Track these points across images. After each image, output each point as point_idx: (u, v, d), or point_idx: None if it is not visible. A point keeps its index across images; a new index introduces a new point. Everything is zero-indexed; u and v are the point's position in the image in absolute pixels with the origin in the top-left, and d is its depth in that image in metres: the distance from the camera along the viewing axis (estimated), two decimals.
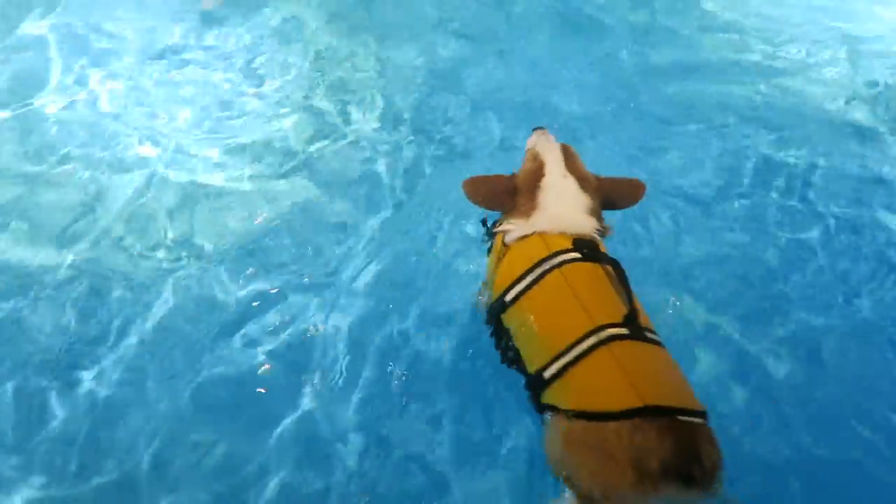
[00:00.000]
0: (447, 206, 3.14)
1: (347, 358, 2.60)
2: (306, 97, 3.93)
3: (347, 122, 3.80)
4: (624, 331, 1.61)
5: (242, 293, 2.89)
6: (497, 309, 1.84)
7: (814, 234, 3.19)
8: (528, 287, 1.75)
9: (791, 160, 3.58)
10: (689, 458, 1.49)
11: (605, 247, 1.88)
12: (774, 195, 3.41)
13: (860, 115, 3.87)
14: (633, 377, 1.53)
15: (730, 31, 4.53)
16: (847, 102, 3.97)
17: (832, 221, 3.28)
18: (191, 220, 3.23)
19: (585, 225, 1.82)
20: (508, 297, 1.78)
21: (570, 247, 1.76)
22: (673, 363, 1.69)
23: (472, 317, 2.38)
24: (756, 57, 4.29)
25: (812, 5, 4.74)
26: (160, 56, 4.24)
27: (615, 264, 1.75)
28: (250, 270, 2.99)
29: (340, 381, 2.53)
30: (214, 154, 3.60)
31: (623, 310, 1.65)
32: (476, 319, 2.27)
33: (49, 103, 3.89)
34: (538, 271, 1.74)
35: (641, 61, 4.23)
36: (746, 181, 3.47)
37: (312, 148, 3.63)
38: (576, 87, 3.98)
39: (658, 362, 1.65)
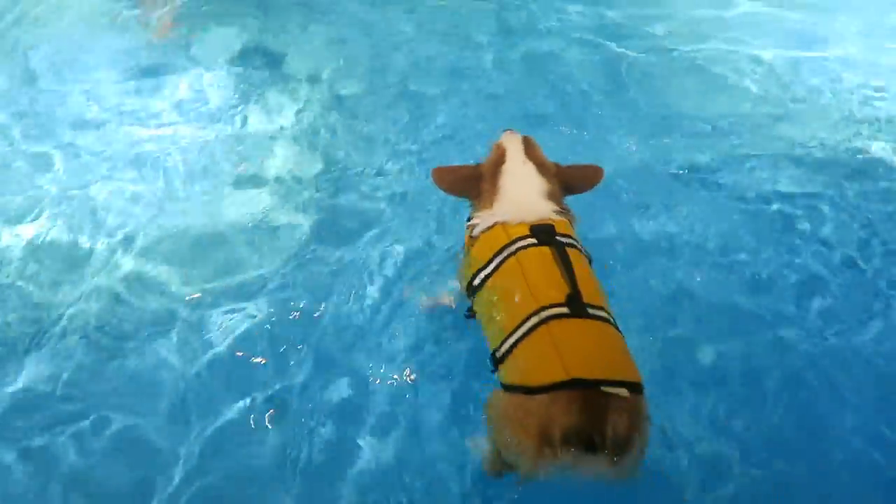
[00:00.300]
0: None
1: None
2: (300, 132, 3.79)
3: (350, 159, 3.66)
4: (564, 310, 1.70)
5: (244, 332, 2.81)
6: (468, 295, 2.00)
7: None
8: (490, 274, 1.89)
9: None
10: (592, 426, 1.54)
11: (572, 230, 1.99)
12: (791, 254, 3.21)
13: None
14: (564, 352, 1.62)
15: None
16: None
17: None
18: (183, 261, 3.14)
19: (544, 208, 1.95)
20: (476, 282, 1.93)
21: (528, 233, 1.89)
22: (615, 336, 1.76)
23: None
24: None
25: None
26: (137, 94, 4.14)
27: (562, 246, 1.86)
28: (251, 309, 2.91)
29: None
30: (214, 194, 3.50)
31: (566, 290, 1.74)
32: None
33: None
34: (498, 259, 1.88)
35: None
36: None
37: (316, 187, 3.50)
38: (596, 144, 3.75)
39: (595, 337, 1.72)
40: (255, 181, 3.52)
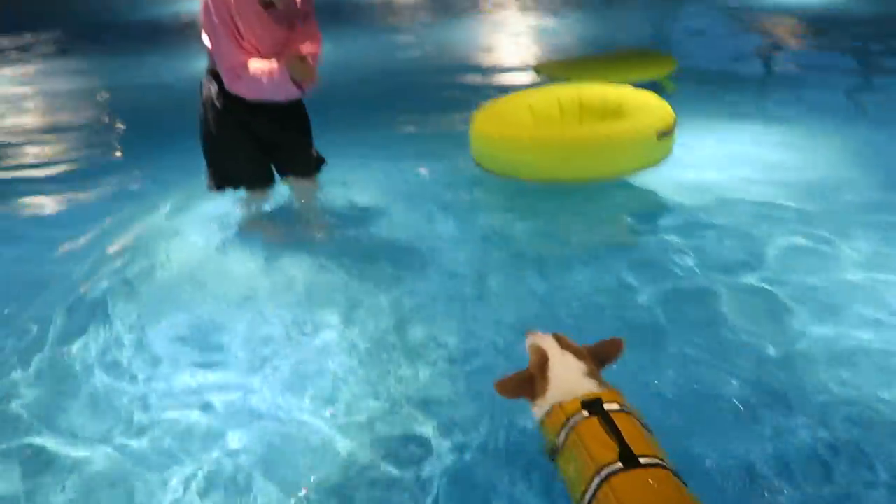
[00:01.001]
0: None
1: None
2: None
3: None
4: (619, 465, 1.94)
5: None
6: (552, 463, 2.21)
7: None
8: (558, 449, 2.14)
9: None
10: None
11: (621, 398, 2.20)
12: None
13: None
14: (624, 501, 1.88)
15: None
16: None
17: None
18: None
19: (588, 385, 2.23)
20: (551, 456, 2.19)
21: (579, 408, 2.14)
22: (668, 477, 1.94)
23: None
24: None
25: None
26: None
27: (607, 413, 2.11)
28: None
29: None
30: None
31: (617, 448, 1.99)
32: None
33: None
34: (562, 436, 2.12)
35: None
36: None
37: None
38: None
39: (652, 481, 1.93)
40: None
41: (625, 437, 1.98)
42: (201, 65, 3.43)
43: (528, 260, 3.34)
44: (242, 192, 3.63)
